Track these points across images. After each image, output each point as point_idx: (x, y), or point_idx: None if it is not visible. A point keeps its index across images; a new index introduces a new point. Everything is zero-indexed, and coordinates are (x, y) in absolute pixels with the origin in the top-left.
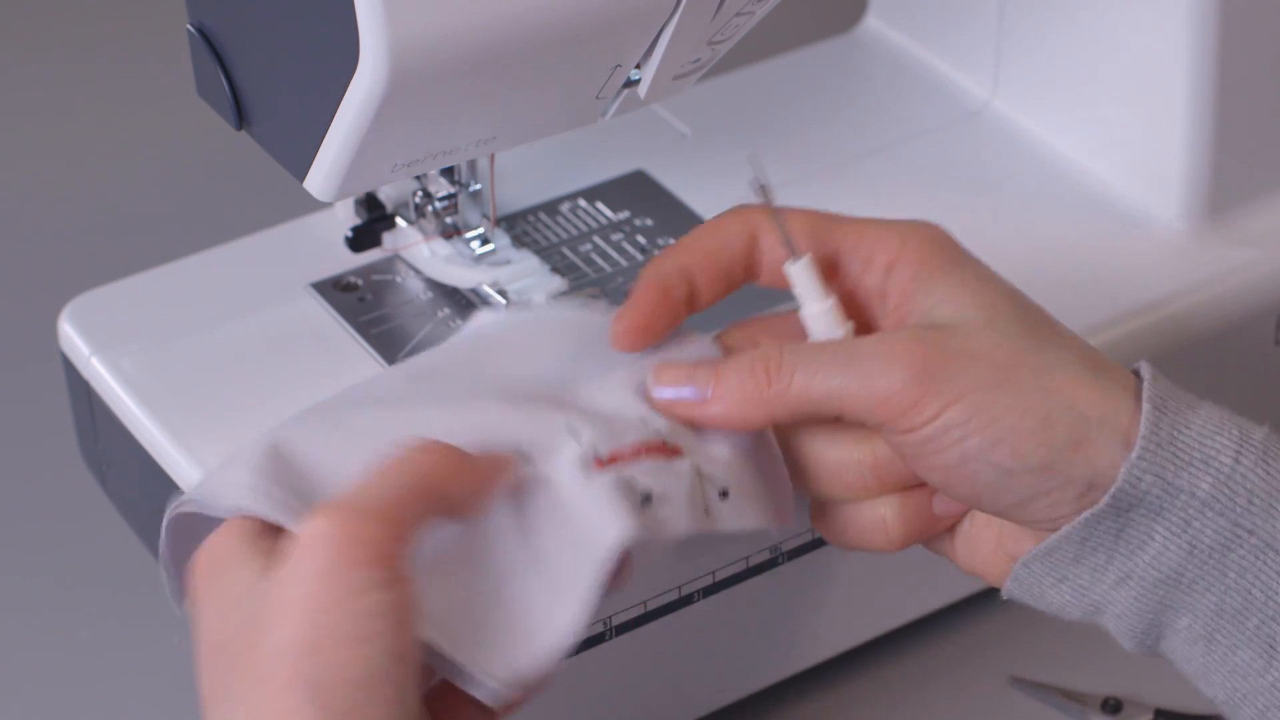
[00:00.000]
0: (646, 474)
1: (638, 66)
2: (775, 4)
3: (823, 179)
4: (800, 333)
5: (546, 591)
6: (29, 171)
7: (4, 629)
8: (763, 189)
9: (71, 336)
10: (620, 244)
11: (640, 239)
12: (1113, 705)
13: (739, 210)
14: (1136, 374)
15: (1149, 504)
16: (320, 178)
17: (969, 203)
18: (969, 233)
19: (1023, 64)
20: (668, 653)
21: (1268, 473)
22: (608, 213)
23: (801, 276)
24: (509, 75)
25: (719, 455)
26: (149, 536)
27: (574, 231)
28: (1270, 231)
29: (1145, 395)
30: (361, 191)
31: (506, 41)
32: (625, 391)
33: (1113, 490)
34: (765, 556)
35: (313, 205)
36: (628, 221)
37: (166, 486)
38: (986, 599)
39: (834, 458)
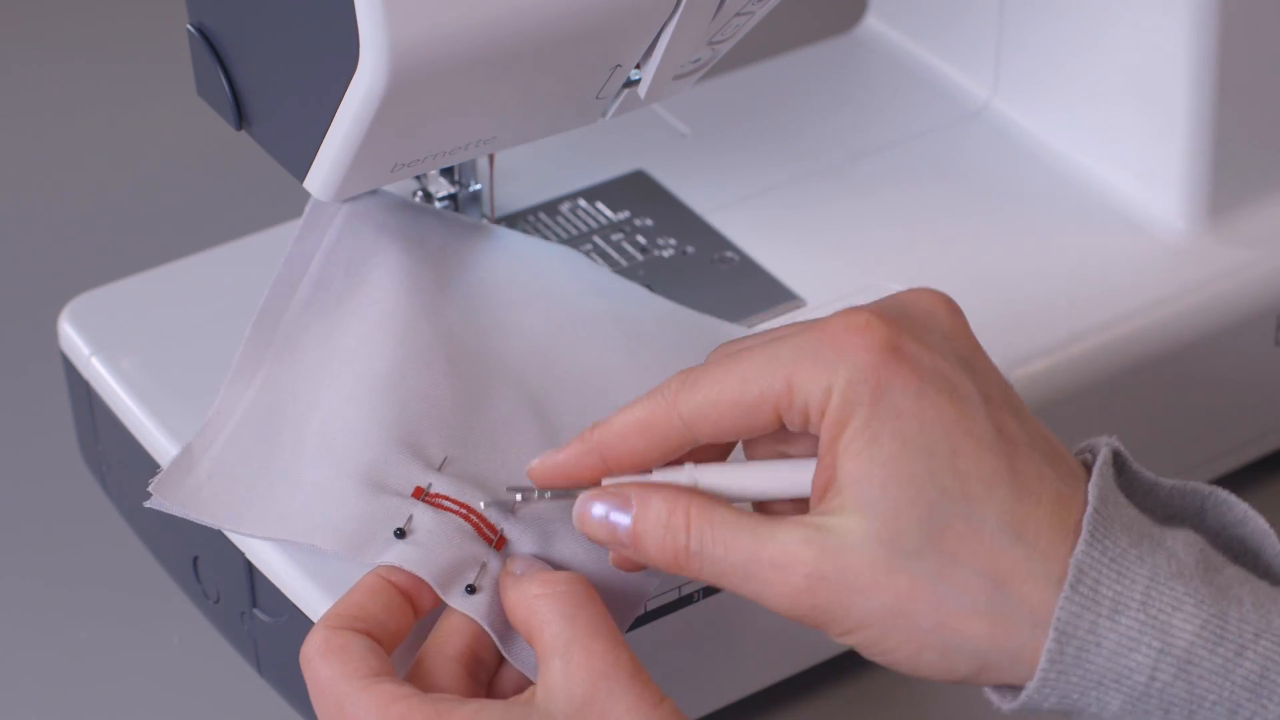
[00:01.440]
0: (431, 522)
1: (638, 66)
2: (775, 4)
3: (823, 179)
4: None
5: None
6: (29, 171)
7: (4, 629)
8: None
9: (71, 336)
10: (620, 244)
11: (640, 239)
12: None
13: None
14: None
15: (1058, 710)
16: (320, 178)
17: (969, 203)
18: (969, 233)
19: (1023, 64)
20: (668, 653)
21: (1189, 682)
22: (608, 213)
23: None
24: (509, 75)
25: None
26: (149, 536)
27: (574, 231)
28: (1270, 231)
29: (1054, 619)
30: (361, 191)
31: (506, 41)
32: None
33: (1012, 706)
34: None
35: None
36: (628, 221)
37: None
38: None
39: None
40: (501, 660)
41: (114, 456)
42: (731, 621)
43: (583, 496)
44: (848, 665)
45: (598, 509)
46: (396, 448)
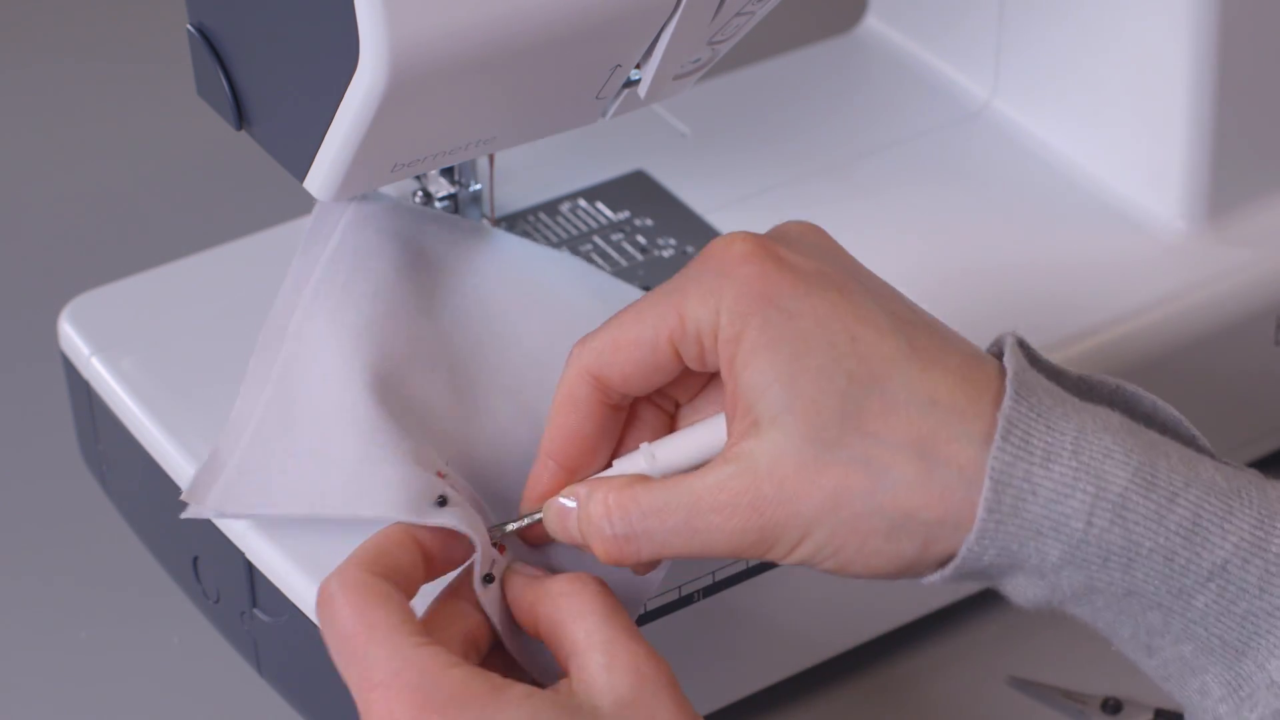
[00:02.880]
0: (461, 499)
1: (638, 66)
2: (775, 4)
3: (823, 179)
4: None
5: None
6: (29, 171)
7: (4, 629)
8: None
9: (71, 336)
10: (620, 244)
11: (640, 239)
12: (1113, 705)
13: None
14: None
15: (999, 567)
16: (320, 178)
17: (968, 203)
18: (969, 233)
19: (1023, 64)
20: (668, 653)
21: (1125, 528)
22: (608, 213)
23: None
24: (509, 75)
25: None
26: (149, 536)
27: (574, 231)
28: (1270, 231)
29: (988, 470)
30: (361, 191)
31: (506, 41)
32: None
33: (953, 565)
34: None
35: (312, 205)
36: (628, 221)
37: (166, 486)
38: (986, 599)
39: None
40: (490, 653)
41: (114, 456)
42: (732, 621)
43: (545, 505)
44: (848, 665)
45: (553, 518)
46: (414, 437)
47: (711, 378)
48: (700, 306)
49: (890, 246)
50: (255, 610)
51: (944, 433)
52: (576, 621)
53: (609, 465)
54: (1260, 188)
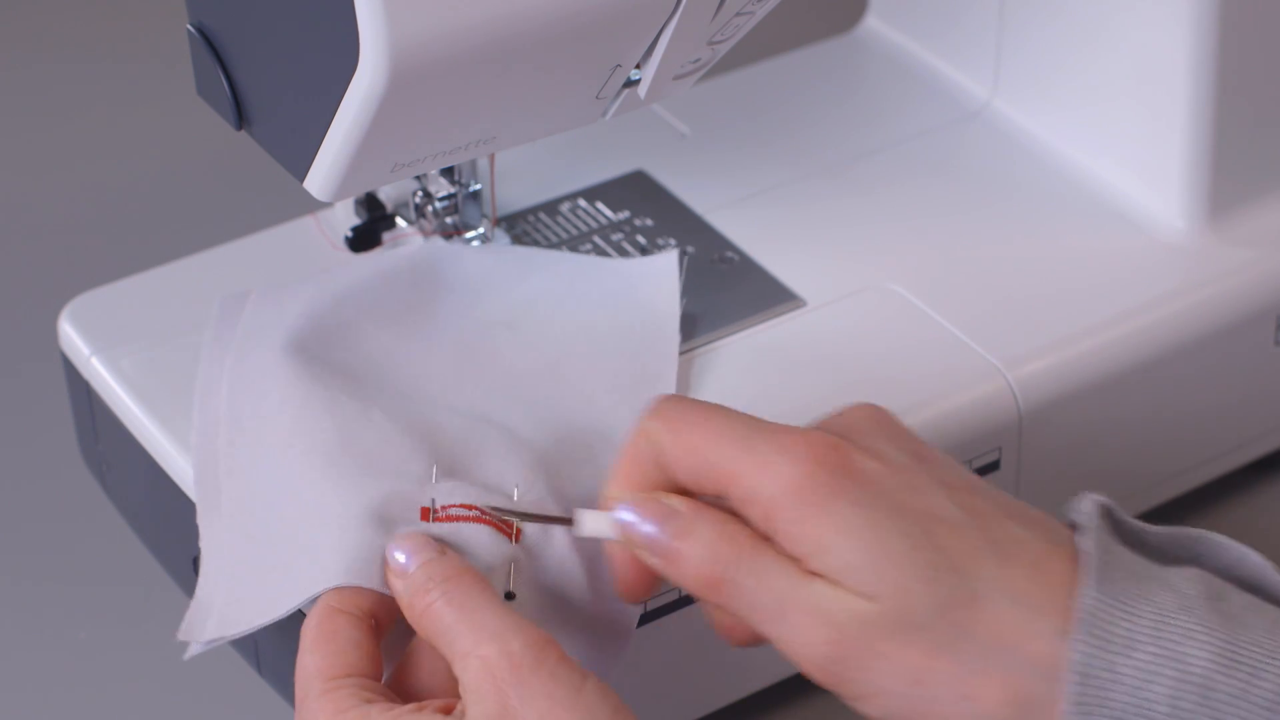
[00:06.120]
0: (450, 539)
1: (638, 66)
2: (775, 4)
3: (823, 179)
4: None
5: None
6: (29, 171)
7: (4, 629)
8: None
9: (71, 336)
10: (620, 244)
11: (640, 239)
12: None
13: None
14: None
15: None
16: (320, 178)
17: (969, 203)
18: (969, 233)
19: (1023, 64)
20: (668, 653)
21: (1211, 708)
22: (608, 213)
23: (592, 528)
24: (509, 75)
25: (545, 574)
26: (149, 536)
27: (574, 231)
28: (1270, 231)
29: (1070, 663)
30: (361, 191)
31: (506, 41)
32: (525, 444)
33: None
34: None
35: (313, 205)
36: (628, 221)
37: (166, 486)
38: None
39: None
40: None
41: (114, 456)
42: None
43: (622, 504)
44: None
45: (634, 518)
46: (387, 481)
47: None
48: (758, 477)
49: (890, 246)
50: None
51: (1026, 629)
52: (441, 635)
53: None
54: (1260, 188)
